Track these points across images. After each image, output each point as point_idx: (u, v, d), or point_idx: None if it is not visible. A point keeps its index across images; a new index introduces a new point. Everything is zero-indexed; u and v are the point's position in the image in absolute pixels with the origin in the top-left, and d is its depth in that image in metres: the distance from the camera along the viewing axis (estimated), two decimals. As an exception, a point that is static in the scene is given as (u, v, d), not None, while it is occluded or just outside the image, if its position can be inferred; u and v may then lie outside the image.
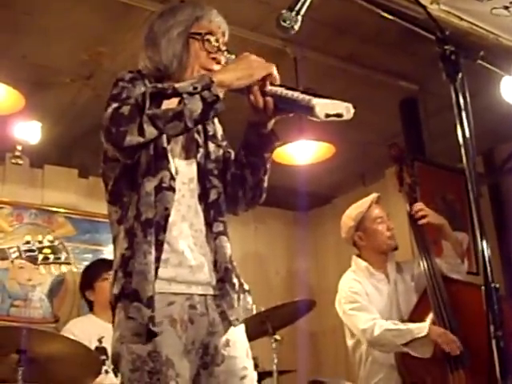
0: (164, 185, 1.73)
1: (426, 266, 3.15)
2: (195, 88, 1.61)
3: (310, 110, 1.58)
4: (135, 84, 1.77)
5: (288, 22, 1.57)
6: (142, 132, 1.59)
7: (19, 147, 4.12)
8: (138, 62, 1.92)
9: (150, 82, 1.82)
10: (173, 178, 1.75)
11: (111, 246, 1.82)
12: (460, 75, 1.41)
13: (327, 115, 1.57)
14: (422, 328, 2.95)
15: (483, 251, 1.31)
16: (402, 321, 3.18)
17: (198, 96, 1.60)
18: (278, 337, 3.49)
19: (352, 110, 1.61)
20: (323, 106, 1.57)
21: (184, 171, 1.82)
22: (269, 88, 1.69)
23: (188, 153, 1.86)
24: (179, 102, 1.60)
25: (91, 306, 3.74)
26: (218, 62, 1.85)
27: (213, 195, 1.85)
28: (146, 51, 1.90)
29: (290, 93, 1.66)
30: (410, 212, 3.27)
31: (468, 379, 2.85)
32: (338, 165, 4.66)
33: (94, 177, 4.69)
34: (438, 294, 3.05)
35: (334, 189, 5.63)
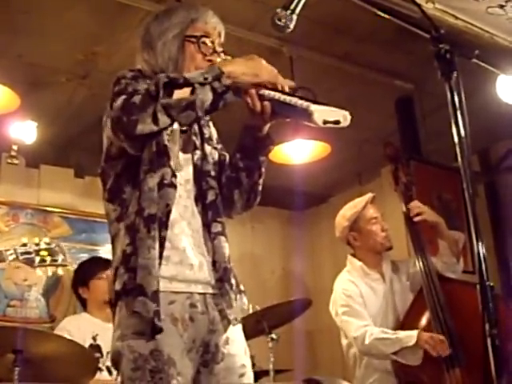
0: (165, 181, 1.73)
1: (421, 264, 3.15)
2: (206, 78, 1.63)
3: (307, 116, 1.58)
4: (138, 81, 1.77)
5: (283, 21, 1.58)
6: (156, 121, 1.59)
7: (15, 147, 4.11)
8: (134, 62, 1.92)
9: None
10: (174, 175, 1.75)
11: (107, 246, 1.82)
12: (455, 74, 1.41)
13: (325, 122, 1.58)
14: (410, 337, 2.96)
15: (478, 250, 1.31)
16: (399, 320, 3.18)
17: (208, 86, 1.62)
18: (274, 336, 3.50)
19: (349, 118, 1.61)
20: (321, 113, 1.57)
21: (181, 172, 1.81)
22: (267, 92, 1.69)
23: (185, 154, 1.86)
24: (191, 92, 1.60)
25: (84, 304, 3.73)
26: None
27: (210, 196, 1.85)
28: (143, 54, 1.90)
29: (288, 98, 1.66)
30: (405, 211, 3.27)
31: (464, 377, 2.86)
32: (333, 164, 4.66)
33: (90, 177, 4.69)
34: (433, 293, 3.05)
35: (330, 188, 5.63)
